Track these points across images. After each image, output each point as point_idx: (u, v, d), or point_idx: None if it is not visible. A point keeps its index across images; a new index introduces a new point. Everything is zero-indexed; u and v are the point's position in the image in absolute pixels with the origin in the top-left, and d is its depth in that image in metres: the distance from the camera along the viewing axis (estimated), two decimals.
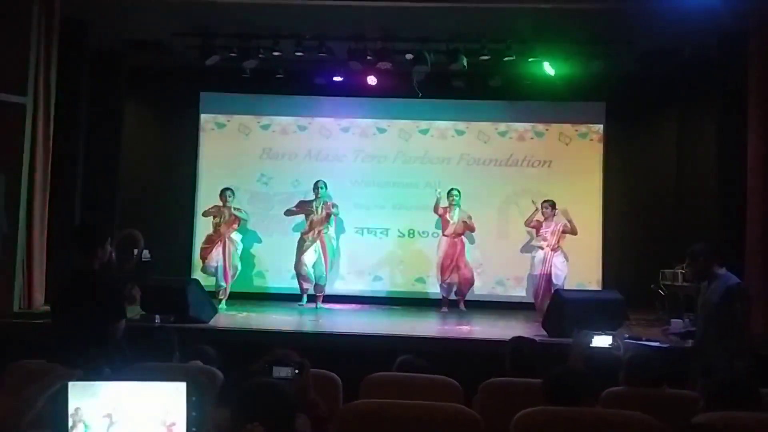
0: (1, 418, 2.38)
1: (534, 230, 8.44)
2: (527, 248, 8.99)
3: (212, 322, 6.89)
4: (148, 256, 6.18)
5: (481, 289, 9.44)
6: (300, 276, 8.71)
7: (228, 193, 8.51)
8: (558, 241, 8.15)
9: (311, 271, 8.65)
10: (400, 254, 9.75)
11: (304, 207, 8.89)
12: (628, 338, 5.73)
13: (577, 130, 9.87)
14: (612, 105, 9.77)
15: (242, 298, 9.08)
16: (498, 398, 3.44)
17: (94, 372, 2.45)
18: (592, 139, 9.85)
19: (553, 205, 8.22)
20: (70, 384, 2.13)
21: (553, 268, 8.06)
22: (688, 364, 4.87)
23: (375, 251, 9.72)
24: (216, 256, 8.35)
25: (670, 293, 8.02)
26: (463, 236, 8.85)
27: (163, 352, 3.92)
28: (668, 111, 9.84)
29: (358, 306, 9.12)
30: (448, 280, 8.73)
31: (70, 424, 2.10)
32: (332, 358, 4.32)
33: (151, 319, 6.58)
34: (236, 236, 8.56)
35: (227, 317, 7.52)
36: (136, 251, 5.70)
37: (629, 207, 9.67)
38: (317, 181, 8.85)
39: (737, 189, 7.22)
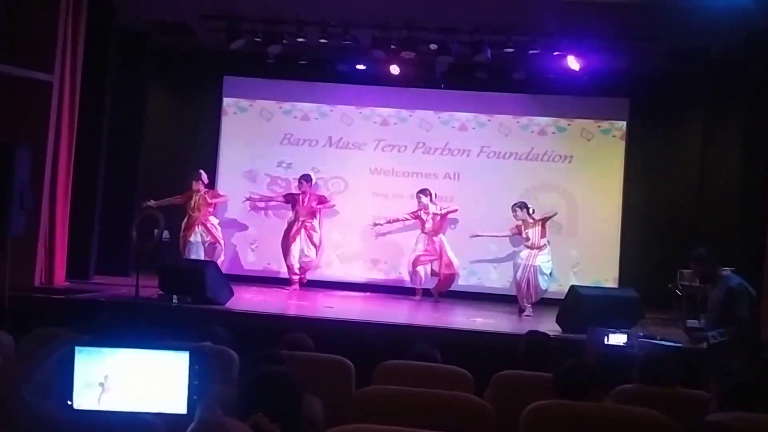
0: (9, 381, 2.41)
1: (518, 235, 8.41)
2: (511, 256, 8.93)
3: (228, 305, 6.96)
4: (168, 236, 6.25)
5: (496, 282, 9.45)
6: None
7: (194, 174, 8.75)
8: (541, 236, 8.11)
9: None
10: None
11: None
12: (643, 337, 5.72)
13: (599, 126, 9.79)
14: (636, 102, 9.67)
15: (258, 282, 9.16)
16: (510, 390, 3.45)
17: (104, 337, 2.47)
18: (614, 136, 9.77)
19: (521, 206, 8.20)
20: (77, 348, 2.16)
21: (536, 263, 8.05)
22: (701, 365, 4.87)
23: (391, 241, 9.72)
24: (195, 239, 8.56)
25: (687, 293, 7.96)
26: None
27: (182, 332, 3.99)
28: (693, 110, 9.72)
29: (373, 295, 9.16)
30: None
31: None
32: (346, 345, 4.37)
33: (168, 299, 6.66)
34: (214, 220, 8.83)
35: (243, 301, 7.59)
36: (156, 231, 5.76)
37: (649, 205, 9.59)
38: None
39: (760, 190, 7.14)
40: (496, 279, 9.47)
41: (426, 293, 8.93)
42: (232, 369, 3.22)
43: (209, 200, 8.75)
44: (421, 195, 8.82)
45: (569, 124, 9.79)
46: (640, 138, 9.76)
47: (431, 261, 8.84)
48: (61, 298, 6.60)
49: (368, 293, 9.19)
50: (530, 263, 8.07)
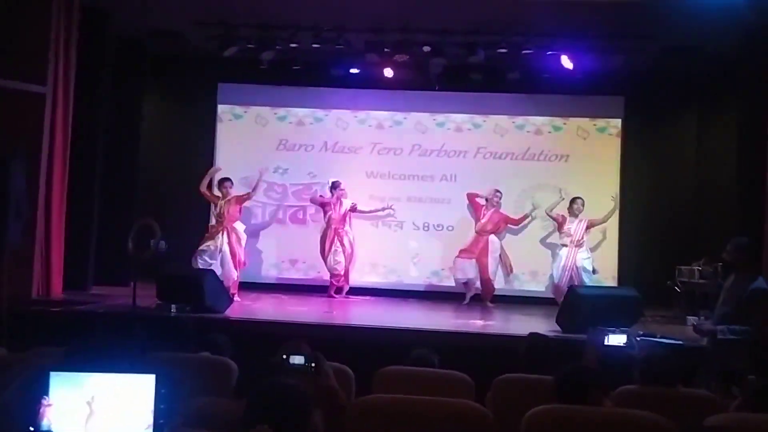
0: None
1: (555, 222, 8.50)
2: (547, 245, 8.99)
3: (227, 313, 6.93)
4: (165, 247, 6.23)
5: (496, 282, 9.42)
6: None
7: (228, 183, 8.46)
8: (582, 236, 8.27)
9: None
10: (415, 247, 9.74)
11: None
12: (643, 335, 5.70)
13: (595, 125, 9.79)
14: (631, 99, 9.67)
15: (257, 288, 9.14)
16: (511, 394, 3.43)
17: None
18: (610, 134, 9.77)
19: (583, 202, 8.35)
20: (52, 374, 2.14)
21: (578, 263, 8.18)
22: (704, 361, 4.82)
23: (390, 244, 9.72)
24: (219, 246, 8.22)
25: (686, 290, 7.96)
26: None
27: (181, 342, 3.96)
28: (688, 107, 9.73)
29: (373, 299, 9.14)
30: None
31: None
32: (345, 351, 4.33)
33: (167, 308, 6.63)
34: (240, 226, 8.47)
35: (242, 308, 7.57)
36: (152, 242, 5.73)
37: (647, 202, 9.59)
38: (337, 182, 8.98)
39: (756, 187, 7.14)
40: (496, 280, 9.44)
41: (461, 298, 8.90)
42: (229, 380, 3.20)
43: (240, 204, 8.41)
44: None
45: (565, 123, 9.79)
46: (636, 135, 9.76)
47: (471, 258, 8.77)
48: (58, 310, 6.57)
49: (368, 297, 9.17)
50: (571, 263, 8.14)
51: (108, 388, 2.15)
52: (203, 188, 8.59)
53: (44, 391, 2.12)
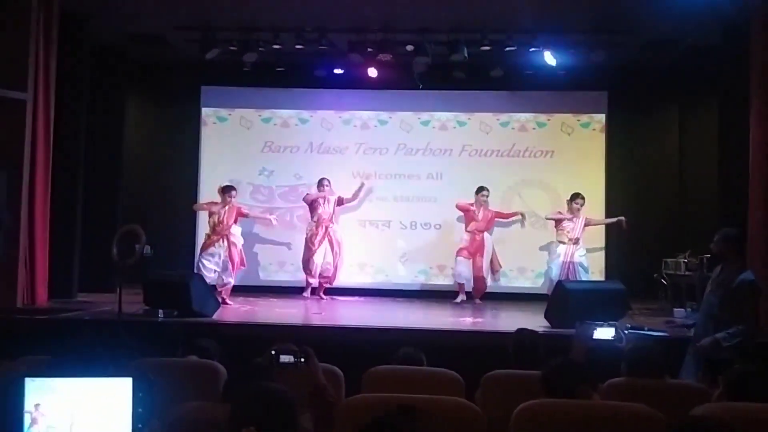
0: None
1: (553, 222, 8.58)
2: (546, 247, 9.04)
3: (215, 316, 6.90)
4: (150, 251, 6.18)
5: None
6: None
7: (234, 191, 8.40)
8: (580, 234, 8.33)
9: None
10: (402, 246, 9.75)
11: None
12: (631, 328, 5.73)
13: (579, 120, 9.83)
14: (614, 94, 9.73)
15: (245, 291, 9.10)
16: (500, 390, 3.44)
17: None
18: (594, 129, 9.82)
19: (584, 199, 8.41)
20: (27, 379, 2.12)
21: (576, 260, 8.23)
22: (684, 353, 4.84)
23: (377, 244, 9.72)
24: (221, 253, 8.18)
25: (672, 282, 8.01)
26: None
27: (168, 346, 3.95)
28: (670, 100, 9.80)
29: (361, 298, 9.13)
30: None
31: (28, 422, 2.09)
32: (335, 351, 4.32)
33: (154, 313, 6.59)
34: (236, 230, 8.39)
35: (231, 311, 7.54)
36: (137, 247, 5.68)
37: (631, 196, 9.64)
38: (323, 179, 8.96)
39: (739, 178, 7.21)
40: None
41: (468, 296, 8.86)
42: (218, 383, 3.18)
43: (238, 215, 8.34)
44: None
45: (549, 119, 9.83)
46: (619, 130, 9.82)
47: (469, 258, 8.76)
48: (44, 318, 6.51)
49: (356, 297, 9.16)
50: (569, 260, 8.20)
51: (85, 393, 2.12)
52: (197, 207, 8.71)
53: (20, 397, 2.09)
